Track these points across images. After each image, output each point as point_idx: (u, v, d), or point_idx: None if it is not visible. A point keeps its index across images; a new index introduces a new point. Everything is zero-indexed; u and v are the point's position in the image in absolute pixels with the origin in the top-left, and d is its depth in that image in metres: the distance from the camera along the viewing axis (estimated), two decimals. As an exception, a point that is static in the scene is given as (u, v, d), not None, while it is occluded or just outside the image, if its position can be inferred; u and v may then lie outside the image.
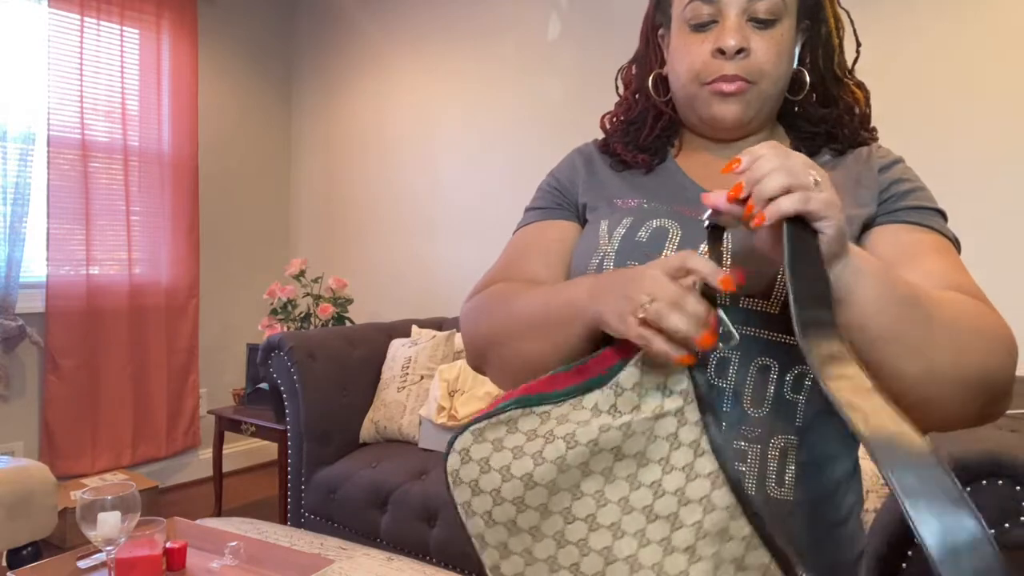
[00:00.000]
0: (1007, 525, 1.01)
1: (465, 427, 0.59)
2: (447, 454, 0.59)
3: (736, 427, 0.63)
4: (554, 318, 0.64)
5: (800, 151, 0.74)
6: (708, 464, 0.55)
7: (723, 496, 0.54)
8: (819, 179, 0.51)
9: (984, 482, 1.03)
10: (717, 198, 0.54)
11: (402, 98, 3.40)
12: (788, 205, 0.49)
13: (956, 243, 0.70)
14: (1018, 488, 1.01)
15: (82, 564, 1.45)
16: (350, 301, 3.14)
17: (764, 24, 0.69)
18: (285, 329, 3.05)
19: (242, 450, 3.61)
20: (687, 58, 0.72)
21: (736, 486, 0.54)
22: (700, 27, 0.71)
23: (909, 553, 1.09)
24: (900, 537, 1.09)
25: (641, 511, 0.55)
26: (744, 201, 0.52)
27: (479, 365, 0.76)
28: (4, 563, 2.18)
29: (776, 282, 0.64)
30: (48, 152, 2.85)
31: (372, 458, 2.35)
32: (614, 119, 0.84)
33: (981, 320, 0.58)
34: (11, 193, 2.72)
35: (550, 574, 0.56)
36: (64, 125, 2.90)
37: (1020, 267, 1.97)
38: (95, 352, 2.98)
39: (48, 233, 2.86)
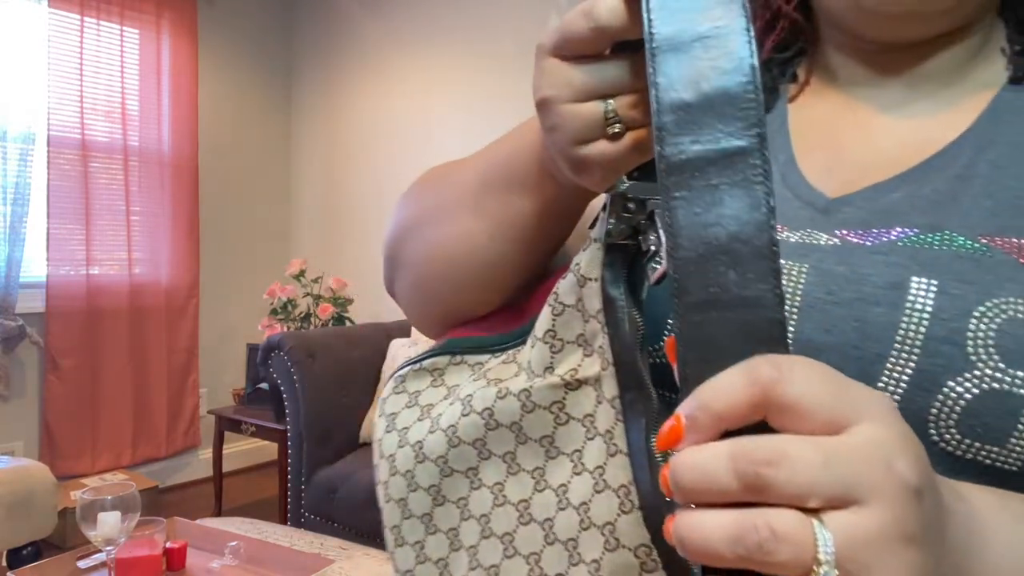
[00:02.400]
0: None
1: (398, 368, 0.47)
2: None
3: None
4: (497, 175, 0.44)
5: None
6: (621, 472, 0.37)
7: (632, 528, 0.36)
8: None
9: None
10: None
11: (402, 98, 3.40)
12: None
13: None
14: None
15: (82, 564, 1.45)
16: (350, 301, 3.14)
17: None
18: (285, 329, 3.05)
19: (242, 450, 3.61)
20: None
21: (654, 516, 0.36)
22: None
23: None
24: None
25: (541, 525, 0.40)
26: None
27: (391, 273, 0.55)
28: (4, 563, 2.18)
29: None
30: (48, 152, 2.85)
31: (372, 458, 2.35)
32: None
33: None
34: (11, 193, 2.72)
35: None
36: (64, 125, 2.90)
37: None
38: (95, 352, 2.98)
39: (48, 233, 2.86)
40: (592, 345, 0.39)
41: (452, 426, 0.43)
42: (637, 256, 0.39)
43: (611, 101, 0.34)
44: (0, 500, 2.04)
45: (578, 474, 0.39)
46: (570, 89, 0.34)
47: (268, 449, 3.71)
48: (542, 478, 0.41)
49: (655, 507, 0.36)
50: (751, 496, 0.22)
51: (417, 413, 0.46)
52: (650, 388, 0.38)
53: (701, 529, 0.23)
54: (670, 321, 0.42)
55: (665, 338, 0.42)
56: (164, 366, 3.22)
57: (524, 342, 0.44)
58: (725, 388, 0.23)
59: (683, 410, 0.24)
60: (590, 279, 0.39)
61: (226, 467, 3.49)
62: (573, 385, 0.40)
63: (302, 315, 3.14)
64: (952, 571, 0.26)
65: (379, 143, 3.49)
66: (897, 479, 0.22)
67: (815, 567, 0.21)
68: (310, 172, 3.82)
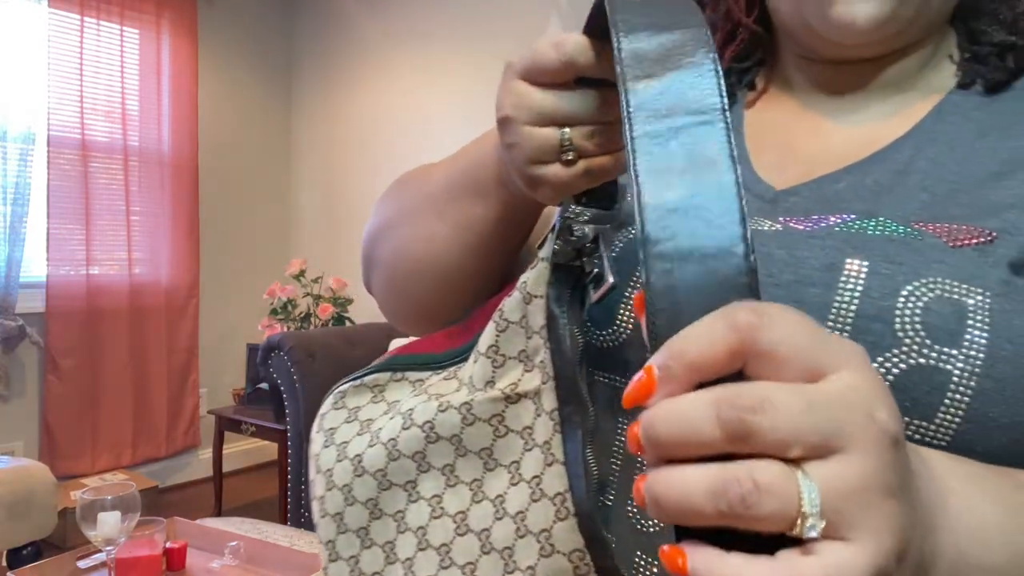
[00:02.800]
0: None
1: (338, 385, 0.48)
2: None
3: (611, 433, 0.43)
4: (459, 182, 0.47)
5: (975, 81, 0.44)
6: (557, 481, 0.39)
7: (566, 534, 0.38)
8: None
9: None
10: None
11: (402, 98, 3.40)
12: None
13: None
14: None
15: (82, 564, 1.45)
16: (350, 301, 3.14)
17: None
18: (285, 329, 3.05)
19: (242, 450, 3.61)
20: None
21: (588, 523, 0.37)
22: None
23: None
24: None
25: (478, 535, 0.41)
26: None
27: (367, 270, 0.57)
28: (4, 563, 2.18)
29: None
30: (48, 152, 2.85)
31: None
32: None
33: None
34: (11, 193, 2.72)
35: None
36: (64, 125, 2.90)
37: None
38: (95, 352, 2.98)
39: (48, 233, 2.86)
40: (533, 360, 0.41)
41: (392, 439, 0.43)
42: (580, 276, 0.41)
43: (567, 130, 0.37)
44: (0, 500, 2.04)
45: (515, 484, 0.41)
46: (532, 113, 0.37)
47: (268, 449, 3.71)
48: (480, 489, 0.42)
49: (589, 514, 0.37)
50: (734, 445, 0.21)
51: (356, 428, 0.46)
52: (587, 402, 0.40)
53: (680, 485, 0.21)
54: (636, 277, 0.43)
55: (629, 296, 0.43)
56: (164, 366, 3.22)
57: (465, 360, 0.45)
58: (702, 335, 0.22)
59: (655, 361, 0.23)
60: (536, 296, 0.41)
61: (226, 467, 3.49)
62: (513, 398, 0.41)
63: (302, 315, 3.14)
64: (921, 527, 0.25)
65: (379, 143, 3.49)
66: (878, 427, 0.22)
67: (799, 520, 0.21)
68: (310, 172, 3.82)
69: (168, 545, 1.45)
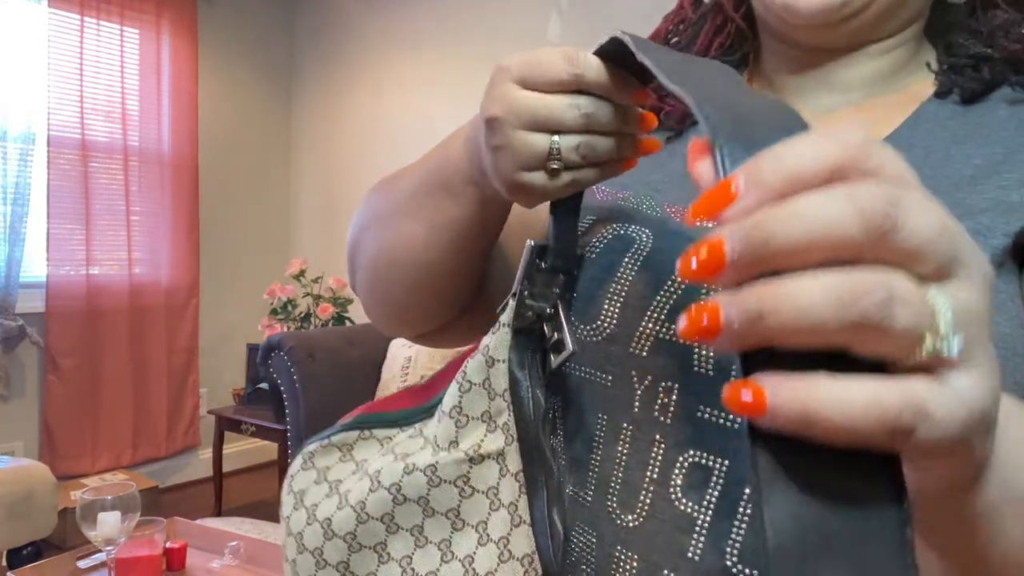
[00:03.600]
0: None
1: (307, 443, 0.49)
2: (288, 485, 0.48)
3: (591, 428, 0.43)
4: (430, 181, 0.47)
5: (951, 91, 0.45)
6: (524, 542, 0.40)
7: None
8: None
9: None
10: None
11: (402, 98, 3.40)
12: (819, 404, 0.19)
13: None
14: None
15: (82, 564, 1.45)
16: (350, 301, 3.14)
17: None
18: (285, 329, 3.05)
19: (242, 450, 3.61)
20: None
21: None
22: None
23: None
24: None
25: None
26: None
27: (351, 274, 0.57)
28: (4, 563, 2.18)
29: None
30: (48, 152, 2.85)
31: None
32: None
33: None
34: (11, 193, 2.72)
35: None
36: (64, 125, 2.90)
37: None
38: (95, 352, 2.98)
39: (48, 233, 2.86)
40: (496, 421, 0.42)
41: (361, 502, 0.44)
42: (542, 339, 0.42)
43: (557, 138, 0.36)
44: (0, 500, 2.04)
45: (483, 545, 0.41)
46: (524, 118, 0.36)
47: (268, 449, 3.71)
48: (448, 549, 0.43)
49: (556, 575, 0.39)
50: (872, 244, 0.18)
51: (326, 489, 0.46)
52: (551, 462, 0.41)
53: (800, 294, 0.18)
54: (620, 271, 0.43)
55: (613, 290, 0.42)
56: (164, 366, 3.22)
57: (430, 416, 0.46)
58: (808, 146, 0.19)
59: (739, 171, 0.20)
60: (498, 360, 0.42)
61: (226, 467, 3.49)
62: (477, 459, 0.42)
63: (302, 315, 3.14)
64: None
65: (379, 143, 3.49)
66: (983, 260, 0.21)
67: (931, 337, 0.18)
68: (310, 172, 3.82)
69: (168, 545, 1.46)
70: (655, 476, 0.39)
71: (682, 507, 0.38)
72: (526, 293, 0.42)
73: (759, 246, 0.19)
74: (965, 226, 0.36)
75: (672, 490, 0.39)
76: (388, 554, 0.44)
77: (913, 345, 0.19)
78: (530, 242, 0.42)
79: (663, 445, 0.40)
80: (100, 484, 1.85)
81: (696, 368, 0.39)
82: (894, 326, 0.18)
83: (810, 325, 0.18)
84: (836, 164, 0.19)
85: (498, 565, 0.40)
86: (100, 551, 1.44)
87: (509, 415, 0.41)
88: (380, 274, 0.52)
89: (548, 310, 0.42)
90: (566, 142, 0.37)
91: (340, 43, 3.65)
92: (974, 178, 0.39)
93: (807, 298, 0.18)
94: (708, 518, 0.37)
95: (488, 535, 0.41)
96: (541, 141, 0.36)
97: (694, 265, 0.20)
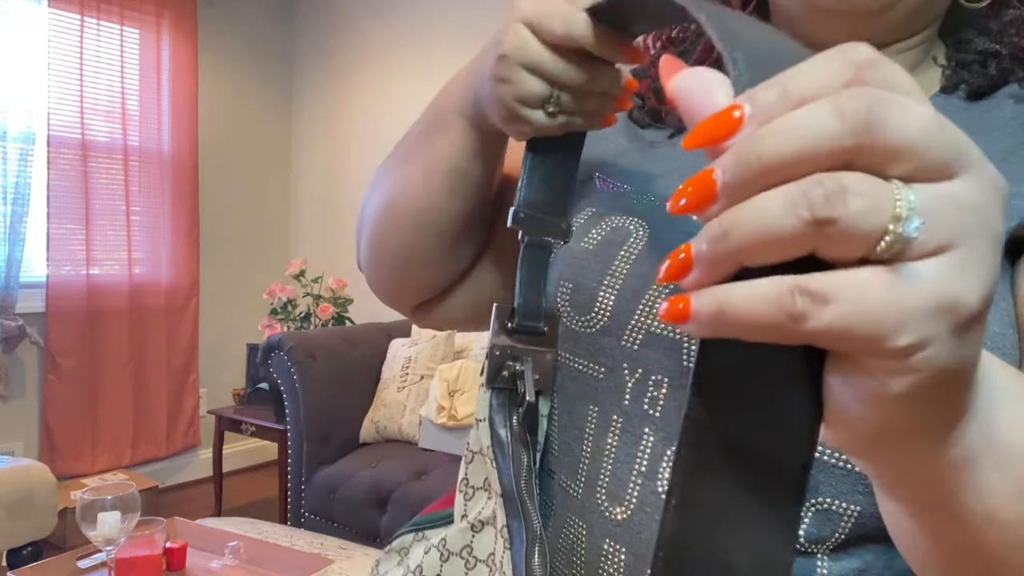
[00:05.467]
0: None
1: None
2: None
3: (582, 419, 0.44)
4: (426, 123, 0.50)
5: (958, 87, 0.45)
6: None
7: None
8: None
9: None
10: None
11: (402, 97, 3.40)
12: (830, 318, 0.18)
13: None
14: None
15: (82, 564, 1.45)
16: (350, 301, 3.14)
17: None
18: (285, 329, 3.05)
19: (242, 450, 3.61)
20: None
21: None
22: None
23: None
24: None
25: None
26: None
27: (358, 245, 0.58)
28: (4, 563, 2.18)
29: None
30: (48, 152, 2.85)
31: (372, 458, 2.35)
32: (658, 41, 0.54)
33: None
34: (11, 193, 2.72)
35: None
36: (64, 125, 2.90)
37: None
38: (95, 352, 2.98)
39: (48, 233, 2.86)
40: (494, 487, 0.42)
41: None
42: (518, 398, 0.44)
43: (559, 92, 0.40)
44: (0, 500, 2.04)
45: None
46: (529, 63, 0.39)
47: (268, 449, 3.71)
48: None
49: None
50: (858, 148, 0.18)
51: None
52: (533, 516, 0.41)
53: (757, 204, 0.18)
54: (611, 270, 0.44)
55: (607, 285, 0.43)
56: (164, 366, 3.22)
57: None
58: (816, 69, 0.19)
59: (740, 98, 0.19)
60: (480, 420, 0.44)
61: (226, 467, 3.49)
62: (477, 527, 0.43)
63: (302, 315, 3.14)
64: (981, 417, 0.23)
65: (379, 143, 3.49)
66: (1000, 179, 0.20)
67: (891, 224, 0.18)
68: (310, 172, 3.82)
69: (168, 545, 1.46)
70: (643, 469, 0.40)
71: None
72: (496, 353, 0.44)
73: (749, 165, 0.18)
74: None
75: (660, 483, 0.39)
76: None
77: (876, 238, 0.18)
78: (496, 304, 0.44)
79: (651, 438, 0.40)
80: (100, 484, 1.85)
81: (686, 362, 0.39)
82: (848, 217, 0.17)
83: (768, 232, 0.18)
84: (847, 80, 0.19)
85: None
86: (100, 551, 1.44)
87: (492, 471, 0.42)
88: (380, 226, 0.52)
89: (518, 367, 0.43)
90: (567, 94, 0.40)
91: (340, 43, 3.65)
92: None
93: (763, 204, 0.18)
94: None
95: None
96: (543, 86, 0.40)
97: (684, 200, 0.20)
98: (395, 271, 0.54)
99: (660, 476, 0.39)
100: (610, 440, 0.41)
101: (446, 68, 3.21)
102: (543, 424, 0.45)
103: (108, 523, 1.27)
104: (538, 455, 0.45)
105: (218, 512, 2.90)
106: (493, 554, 0.42)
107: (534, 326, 0.45)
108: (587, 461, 0.43)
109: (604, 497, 0.41)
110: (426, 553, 0.45)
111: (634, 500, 0.40)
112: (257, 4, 3.67)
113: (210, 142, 3.47)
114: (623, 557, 0.39)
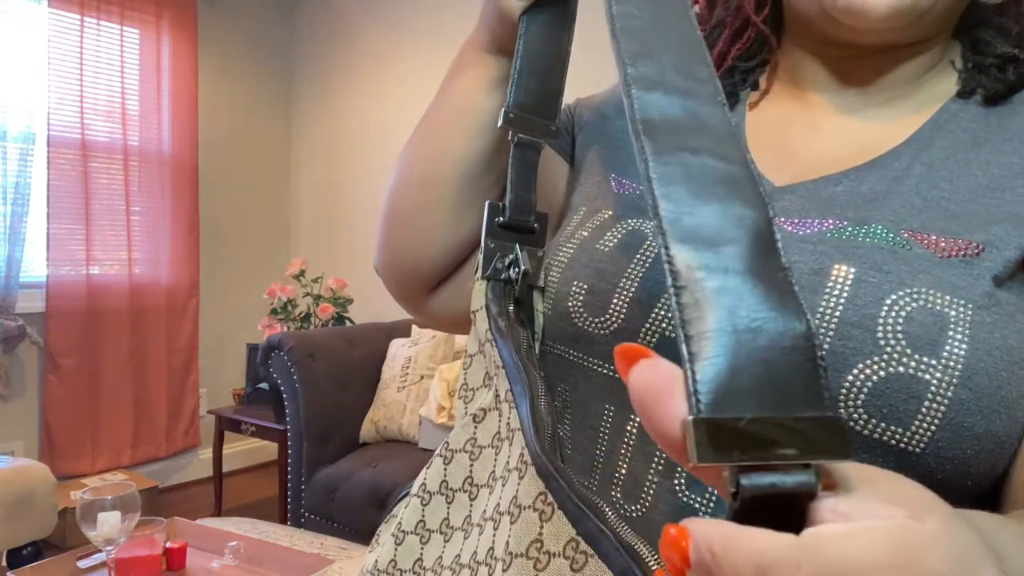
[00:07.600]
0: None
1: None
2: None
3: (597, 419, 0.44)
4: (442, 87, 0.53)
5: (974, 91, 0.44)
6: (518, 448, 0.38)
7: (528, 486, 0.36)
8: None
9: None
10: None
11: (402, 98, 3.40)
12: None
13: None
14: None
15: (82, 564, 1.45)
16: (350, 301, 3.14)
17: None
18: (285, 329, 3.05)
19: (242, 450, 3.61)
20: None
21: (543, 463, 0.36)
22: None
23: None
24: None
25: (485, 563, 0.39)
26: None
27: (378, 234, 0.59)
28: (4, 563, 2.18)
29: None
30: (48, 152, 2.85)
31: (372, 458, 2.35)
32: None
33: None
34: (11, 193, 2.72)
35: None
36: (64, 125, 2.90)
37: None
38: (95, 352, 2.98)
39: (48, 233, 2.86)
40: (495, 381, 0.42)
41: (398, 524, 0.45)
42: (512, 285, 0.45)
43: None
44: (0, 500, 2.04)
45: (492, 493, 0.40)
46: None
47: (268, 449, 3.71)
48: (469, 524, 0.42)
49: (542, 452, 0.36)
50: None
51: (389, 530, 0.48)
52: (536, 376, 0.40)
53: None
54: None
55: (622, 286, 0.44)
56: (164, 366, 3.22)
57: None
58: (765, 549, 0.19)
59: (694, 541, 0.20)
60: (476, 310, 0.45)
61: (226, 467, 3.49)
62: (479, 416, 0.43)
63: (302, 315, 3.14)
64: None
65: (379, 143, 3.49)
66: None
67: None
68: (310, 172, 3.82)
69: (168, 545, 1.46)
70: (660, 468, 0.40)
71: (685, 499, 0.39)
72: (491, 245, 0.45)
73: None
74: (978, 237, 0.37)
75: (677, 483, 0.39)
76: (422, 565, 0.44)
77: None
78: (488, 202, 0.46)
79: None
80: (100, 484, 1.85)
81: None
82: None
83: None
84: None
85: (517, 487, 0.37)
86: (100, 551, 1.44)
87: (493, 349, 0.42)
88: (393, 192, 0.54)
89: (509, 256, 0.45)
90: None
91: (340, 43, 3.65)
92: (990, 188, 0.39)
93: None
94: (710, 512, 0.38)
95: (496, 476, 0.40)
96: None
97: None
98: (404, 233, 0.54)
99: (677, 475, 0.39)
100: (626, 439, 0.42)
101: (446, 68, 3.21)
102: (538, 319, 0.47)
103: (108, 523, 1.27)
104: (536, 343, 0.46)
105: (218, 512, 2.90)
106: (499, 433, 0.41)
107: (525, 220, 0.47)
108: (602, 460, 0.43)
109: (619, 495, 0.42)
110: (428, 468, 0.45)
111: (649, 498, 0.40)
112: (257, 4, 3.67)
113: (210, 142, 3.47)
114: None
